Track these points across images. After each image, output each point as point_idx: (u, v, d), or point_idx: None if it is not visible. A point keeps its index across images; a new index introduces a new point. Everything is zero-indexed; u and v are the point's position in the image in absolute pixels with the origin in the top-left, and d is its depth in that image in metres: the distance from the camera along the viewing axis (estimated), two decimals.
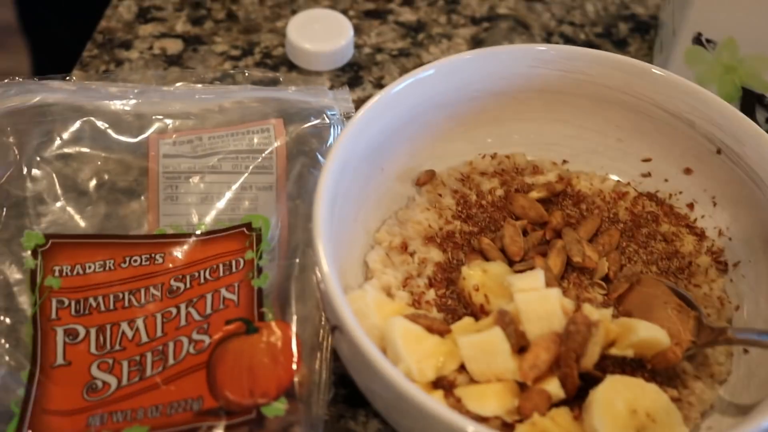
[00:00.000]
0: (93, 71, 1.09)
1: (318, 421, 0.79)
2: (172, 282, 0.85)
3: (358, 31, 1.17)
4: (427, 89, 0.91)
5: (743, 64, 1.00)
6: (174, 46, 1.14)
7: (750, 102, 1.02)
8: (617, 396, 0.76)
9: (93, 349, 0.81)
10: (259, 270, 0.85)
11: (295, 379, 0.77)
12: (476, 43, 1.19)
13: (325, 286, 0.74)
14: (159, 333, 0.82)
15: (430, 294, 0.86)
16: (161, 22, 1.17)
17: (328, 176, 0.81)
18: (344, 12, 1.19)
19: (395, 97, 0.88)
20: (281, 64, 1.13)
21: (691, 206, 0.96)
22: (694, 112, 0.92)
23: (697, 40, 1.02)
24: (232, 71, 1.06)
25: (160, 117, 0.95)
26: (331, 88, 1.08)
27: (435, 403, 0.68)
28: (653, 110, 0.94)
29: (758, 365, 0.83)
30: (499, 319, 0.79)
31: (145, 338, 0.82)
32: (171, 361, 0.80)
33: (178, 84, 0.98)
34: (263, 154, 0.93)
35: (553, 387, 0.78)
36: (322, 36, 1.12)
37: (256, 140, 0.94)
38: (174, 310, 0.83)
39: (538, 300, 0.80)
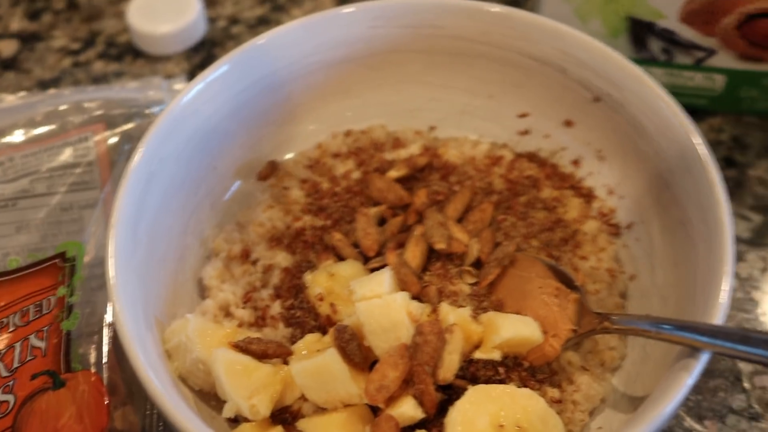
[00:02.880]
0: None
1: None
2: None
3: (211, 2, 1.03)
4: (242, 77, 0.77)
5: None
6: (8, 48, 1.01)
7: (640, 33, 0.88)
8: (478, 410, 0.64)
9: None
10: (70, 309, 0.73)
11: None
12: (342, 1, 1.04)
13: (121, 336, 0.62)
14: None
15: (276, 307, 0.74)
16: None
17: (124, 197, 0.68)
18: None
19: (193, 103, 0.75)
20: (126, 53, 0.99)
21: (576, 163, 0.82)
22: (563, 57, 0.78)
23: None
24: (69, 69, 0.93)
25: None
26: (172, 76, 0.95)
27: None
28: (519, 59, 0.80)
29: (654, 347, 0.71)
30: (336, 337, 0.67)
31: None
32: None
33: None
34: (80, 168, 0.80)
35: (408, 407, 0.65)
36: (166, 15, 0.98)
37: (73, 152, 0.81)
38: None
39: (380, 308, 0.67)
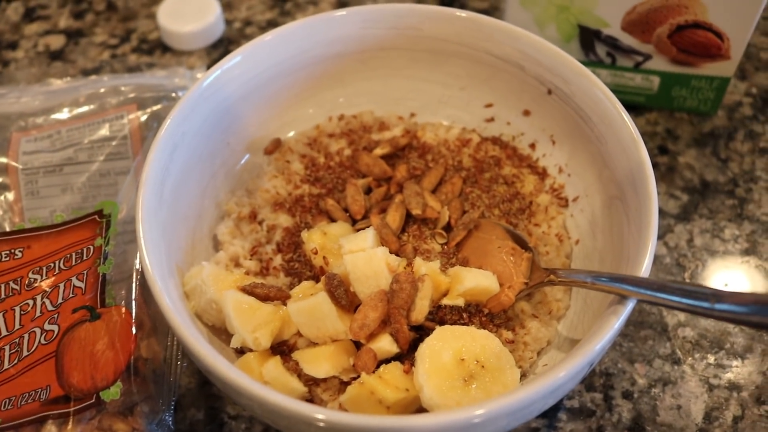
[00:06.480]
0: None
1: (165, 394, 0.70)
2: (30, 275, 0.75)
3: (228, 7, 1.05)
4: (252, 67, 0.79)
5: (574, 3, 0.87)
6: (57, 42, 1.03)
7: (588, 38, 0.90)
8: (444, 346, 0.66)
9: None
10: (105, 256, 0.75)
11: (132, 361, 0.68)
12: (341, 5, 1.06)
13: (147, 278, 0.64)
14: (17, 326, 0.72)
15: (278, 259, 0.76)
16: (46, 20, 1.05)
17: (151, 162, 0.70)
18: None
19: (211, 87, 0.76)
20: (156, 48, 1.01)
21: (533, 146, 0.85)
22: (522, 57, 0.80)
23: None
24: (108, 61, 0.95)
25: (20, 115, 0.84)
26: (194, 67, 0.96)
27: (244, 380, 0.59)
28: (487, 58, 0.82)
29: (593, 299, 0.73)
30: (327, 282, 0.69)
31: (4, 332, 0.72)
32: (25, 352, 0.71)
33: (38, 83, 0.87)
34: (116, 141, 0.83)
35: (386, 343, 0.68)
36: (190, 16, 1.00)
37: (110, 128, 0.83)
38: (31, 302, 0.74)
39: (364, 260, 0.69)
